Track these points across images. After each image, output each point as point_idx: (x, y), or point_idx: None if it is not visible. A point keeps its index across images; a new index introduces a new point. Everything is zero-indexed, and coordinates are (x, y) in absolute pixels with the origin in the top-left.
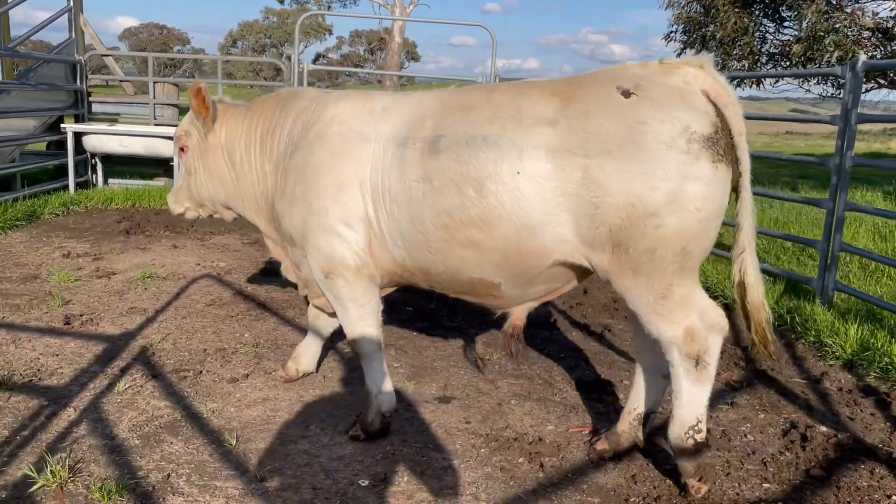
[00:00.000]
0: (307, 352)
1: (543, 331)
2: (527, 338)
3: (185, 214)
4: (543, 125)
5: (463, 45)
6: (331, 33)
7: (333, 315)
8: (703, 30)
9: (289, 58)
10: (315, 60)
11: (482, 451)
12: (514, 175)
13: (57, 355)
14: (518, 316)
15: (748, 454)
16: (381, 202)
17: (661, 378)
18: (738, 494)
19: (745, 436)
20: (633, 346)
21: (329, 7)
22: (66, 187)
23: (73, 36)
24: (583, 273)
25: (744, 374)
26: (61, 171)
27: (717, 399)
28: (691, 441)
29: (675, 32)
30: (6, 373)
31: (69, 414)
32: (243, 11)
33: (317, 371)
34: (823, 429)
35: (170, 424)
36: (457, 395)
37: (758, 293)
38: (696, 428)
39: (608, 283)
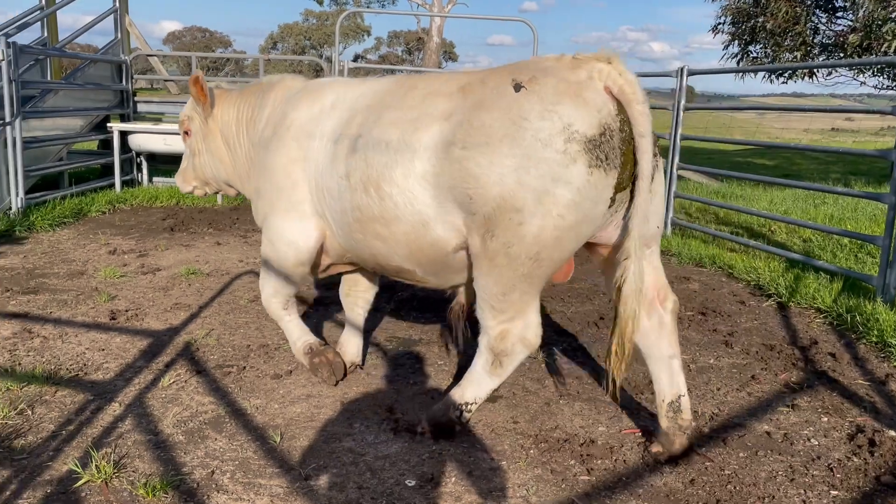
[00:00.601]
0: (350, 340)
1: (590, 328)
2: (573, 334)
3: (194, 192)
4: (439, 122)
5: (500, 45)
6: (369, 34)
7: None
8: (753, 21)
9: (328, 59)
10: (354, 60)
11: (531, 452)
12: (406, 178)
13: (103, 350)
14: (462, 296)
15: (813, 459)
16: (322, 196)
17: (668, 359)
18: (804, 502)
19: (809, 440)
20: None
21: (368, 7)
22: (112, 186)
23: (119, 36)
24: None
25: (803, 375)
26: (108, 170)
27: (776, 401)
28: (455, 414)
29: (723, 24)
30: (53, 367)
31: (114, 409)
32: (283, 14)
33: (362, 366)
34: (893, 433)
35: (214, 420)
36: (503, 394)
37: (630, 304)
38: (467, 407)
39: None
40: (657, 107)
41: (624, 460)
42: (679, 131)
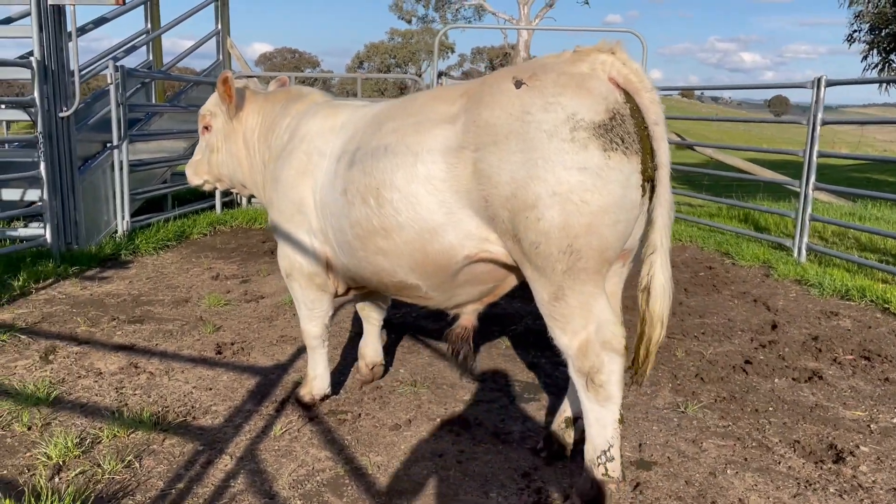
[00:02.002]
0: (368, 345)
1: (737, 375)
2: (718, 380)
3: (203, 186)
4: (444, 125)
5: None
6: (453, 51)
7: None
8: (893, 27)
9: (419, 75)
10: (438, 77)
11: None
12: (408, 182)
13: (210, 389)
14: (466, 318)
15: None
16: (325, 214)
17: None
18: None
19: None
20: None
21: (456, 23)
22: (212, 207)
23: (221, 58)
24: (511, 269)
25: None
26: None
27: None
28: (602, 470)
29: (859, 32)
30: (160, 409)
31: (225, 463)
32: (369, 33)
33: (389, 366)
34: None
35: (332, 481)
36: (657, 460)
37: (659, 305)
38: (607, 454)
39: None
40: (789, 121)
41: None
42: (815, 147)
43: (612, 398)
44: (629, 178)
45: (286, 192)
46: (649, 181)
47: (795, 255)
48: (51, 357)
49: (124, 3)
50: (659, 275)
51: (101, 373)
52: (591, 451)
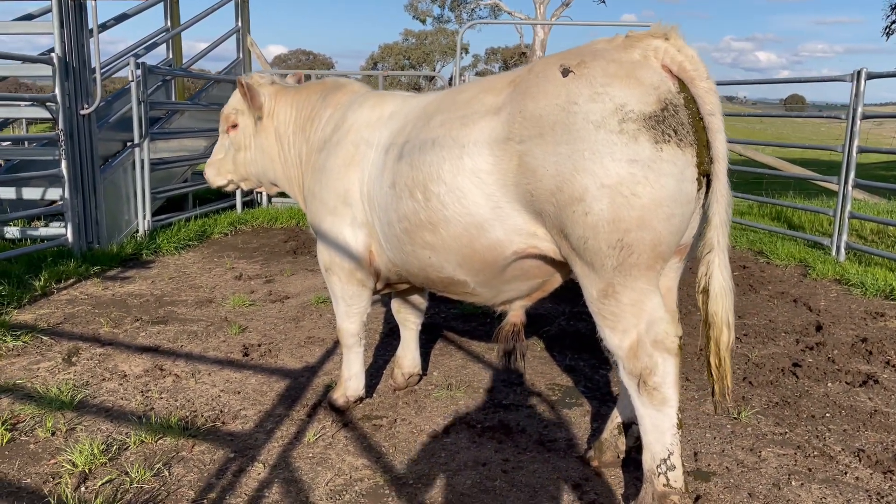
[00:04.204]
0: (406, 354)
1: (787, 378)
2: (767, 385)
3: (226, 187)
4: (489, 117)
5: None
6: (467, 52)
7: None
8: None
9: (429, 77)
10: (450, 78)
11: None
12: (454, 175)
13: (238, 393)
14: (515, 314)
15: None
16: (372, 207)
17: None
18: None
19: None
20: None
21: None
22: (233, 206)
23: (241, 56)
24: (560, 265)
25: None
26: None
27: None
28: (663, 480)
29: None
30: (189, 414)
31: (258, 471)
32: (383, 35)
33: (424, 373)
34: None
35: (372, 492)
36: (715, 469)
37: (722, 306)
38: (668, 463)
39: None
40: (828, 115)
41: None
42: (855, 143)
43: (668, 401)
44: (683, 171)
45: (331, 183)
46: (705, 175)
47: (834, 253)
48: (74, 359)
49: None
50: (717, 275)
51: (125, 375)
52: (649, 460)
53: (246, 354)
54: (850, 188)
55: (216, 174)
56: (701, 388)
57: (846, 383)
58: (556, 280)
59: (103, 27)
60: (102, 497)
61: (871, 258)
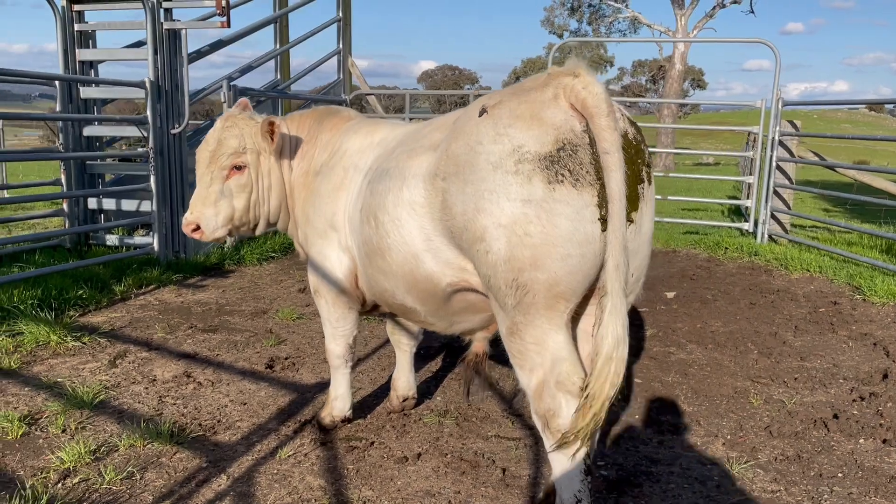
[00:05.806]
0: (400, 376)
1: (816, 430)
2: (789, 437)
3: (221, 238)
4: (429, 152)
5: (759, 70)
6: (612, 65)
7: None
8: None
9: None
10: None
11: None
12: (395, 205)
13: (244, 404)
14: (478, 344)
15: None
16: (352, 230)
17: None
18: None
19: None
20: None
21: (609, 36)
22: None
23: (341, 77)
24: None
25: None
26: None
27: None
28: None
29: None
30: (188, 421)
31: (220, 483)
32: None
33: (429, 396)
34: None
35: None
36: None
37: (607, 355)
38: None
39: None
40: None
41: None
42: None
43: (572, 446)
44: (580, 212)
45: (321, 207)
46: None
47: None
48: (118, 361)
49: (228, 26)
50: (608, 322)
51: (154, 380)
52: None
53: (270, 367)
54: None
55: (216, 227)
56: (710, 433)
57: (882, 441)
58: None
59: (199, 53)
60: (74, 494)
61: None
